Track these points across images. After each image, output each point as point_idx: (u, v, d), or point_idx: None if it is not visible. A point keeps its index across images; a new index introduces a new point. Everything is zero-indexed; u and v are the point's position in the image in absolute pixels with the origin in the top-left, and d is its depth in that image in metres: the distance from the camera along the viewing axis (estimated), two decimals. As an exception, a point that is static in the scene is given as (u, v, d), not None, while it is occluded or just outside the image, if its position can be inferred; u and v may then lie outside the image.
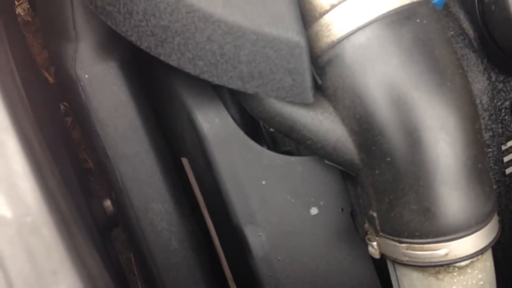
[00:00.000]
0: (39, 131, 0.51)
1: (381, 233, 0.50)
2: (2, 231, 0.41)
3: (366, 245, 0.53)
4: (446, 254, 0.47)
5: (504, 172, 0.65)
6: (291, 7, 0.46)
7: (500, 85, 0.64)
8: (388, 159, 0.46)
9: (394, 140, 0.46)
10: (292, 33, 0.45)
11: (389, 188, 0.48)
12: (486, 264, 0.50)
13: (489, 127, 0.62)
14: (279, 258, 0.57)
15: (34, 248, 0.42)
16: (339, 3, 0.46)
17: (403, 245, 0.49)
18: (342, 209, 0.57)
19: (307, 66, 0.46)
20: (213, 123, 0.55)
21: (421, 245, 0.48)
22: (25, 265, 0.41)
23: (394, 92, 0.45)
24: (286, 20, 0.45)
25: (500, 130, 0.64)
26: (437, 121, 0.45)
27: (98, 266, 0.48)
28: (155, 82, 0.62)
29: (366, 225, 0.53)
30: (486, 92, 0.61)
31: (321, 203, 0.56)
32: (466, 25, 0.63)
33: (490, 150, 0.63)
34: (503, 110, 0.64)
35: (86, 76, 0.59)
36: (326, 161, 0.51)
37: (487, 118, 0.62)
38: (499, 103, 0.64)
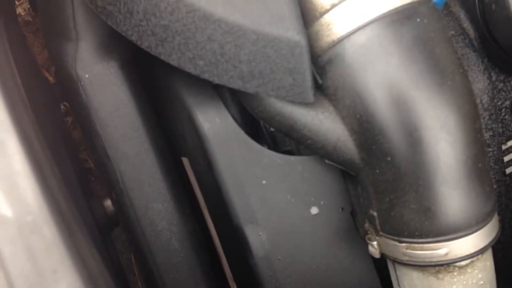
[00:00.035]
0: (39, 131, 0.51)
1: (381, 233, 0.50)
2: (2, 230, 0.41)
3: (366, 244, 0.53)
4: (446, 254, 0.47)
5: (504, 172, 0.65)
6: (292, 6, 0.46)
7: (501, 85, 0.64)
8: (389, 158, 0.46)
9: (394, 140, 0.46)
10: (292, 32, 0.45)
11: (390, 187, 0.48)
12: (486, 263, 0.50)
13: (489, 127, 0.62)
14: (279, 257, 0.57)
15: (34, 247, 0.42)
16: (340, 2, 0.46)
17: (403, 244, 0.49)
18: (343, 209, 0.57)
19: (307, 66, 0.46)
20: (214, 123, 0.55)
21: (421, 245, 0.48)
22: (25, 264, 0.41)
23: (394, 92, 0.45)
24: (286, 20, 0.45)
25: (500, 130, 0.64)
26: (437, 121, 0.45)
27: (99, 265, 0.48)
28: (155, 82, 0.62)
29: (366, 225, 0.53)
30: (487, 91, 0.61)
31: (322, 202, 0.56)
32: (467, 24, 0.63)
33: (490, 149, 0.63)
34: (503, 110, 0.64)
35: (87, 75, 0.59)
36: (326, 161, 0.51)
37: (487, 117, 0.62)
38: (499, 103, 0.64)
